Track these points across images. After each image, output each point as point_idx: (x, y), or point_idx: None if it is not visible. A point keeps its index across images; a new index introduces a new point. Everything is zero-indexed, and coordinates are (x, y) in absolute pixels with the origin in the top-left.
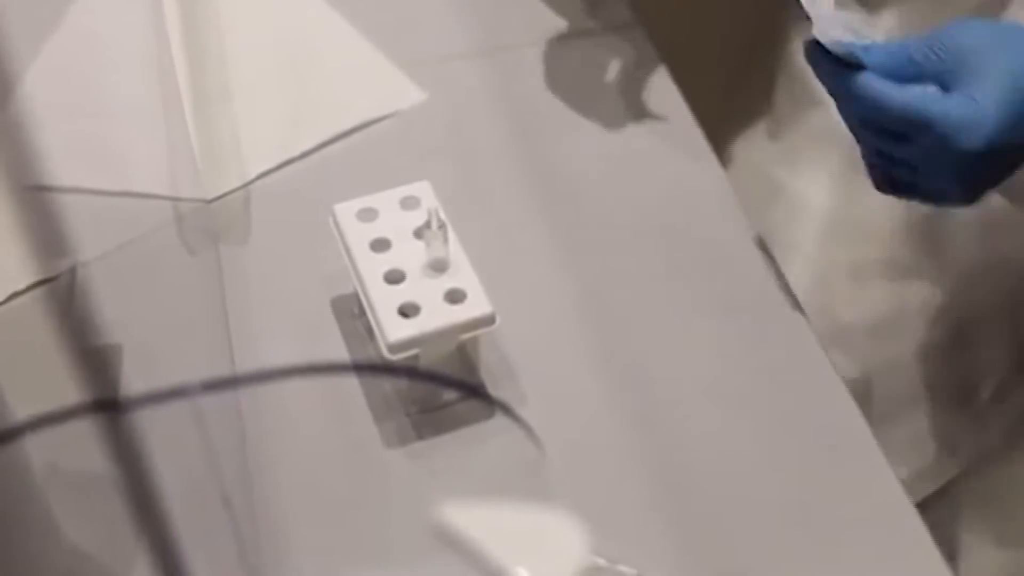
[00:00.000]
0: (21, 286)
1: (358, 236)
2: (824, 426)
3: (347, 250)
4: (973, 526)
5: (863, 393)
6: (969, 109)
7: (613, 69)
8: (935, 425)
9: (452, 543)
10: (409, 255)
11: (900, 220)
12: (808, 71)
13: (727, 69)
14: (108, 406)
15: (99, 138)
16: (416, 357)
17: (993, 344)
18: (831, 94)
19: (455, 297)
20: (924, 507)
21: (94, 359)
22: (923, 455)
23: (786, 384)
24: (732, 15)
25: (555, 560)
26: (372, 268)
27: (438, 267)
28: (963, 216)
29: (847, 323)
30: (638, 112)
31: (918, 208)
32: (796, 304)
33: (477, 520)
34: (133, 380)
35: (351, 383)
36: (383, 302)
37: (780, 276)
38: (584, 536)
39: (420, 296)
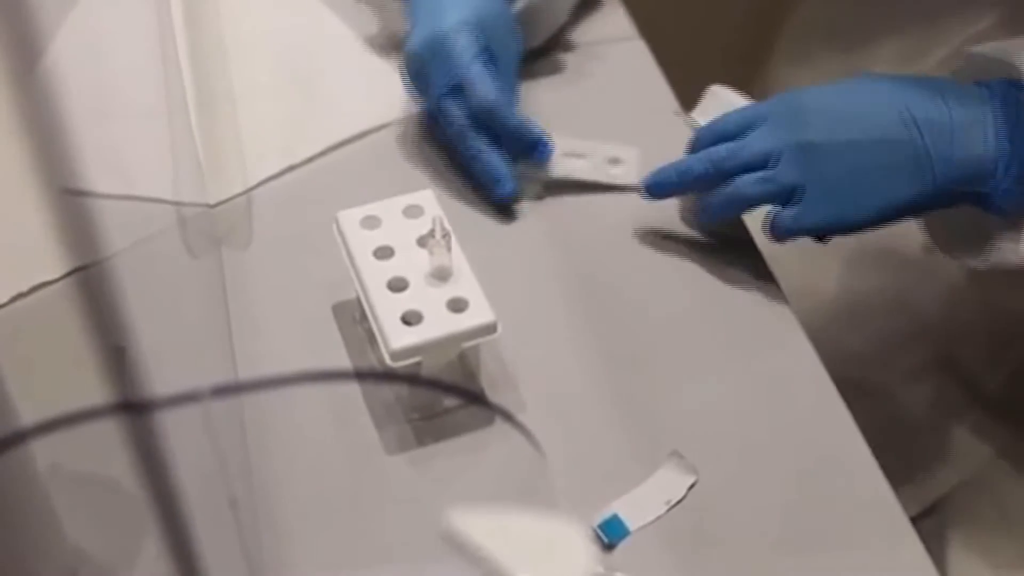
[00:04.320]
0: (25, 288)
1: (361, 244)
2: (823, 442)
3: (350, 257)
4: (961, 547)
5: None
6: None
7: (613, 80)
8: (919, 449)
9: (459, 548)
10: (412, 263)
11: (888, 253)
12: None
13: (725, 81)
14: (119, 409)
15: (103, 142)
16: (418, 364)
17: (977, 373)
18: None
19: (457, 306)
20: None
21: (103, 361)
22: (906, 478)
23: (787, 399)
24: (730, 29)
25: (561, 568)
26: (375, 276)
27: (441, 276)
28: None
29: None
30: (637, 124)
31: (910, 242)
32: (795, 323)
33: (483, 526)
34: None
35: (352, 390)
36: (386, 310)
37: (781, 296)
38: (589, 545)
39: (423, 304)
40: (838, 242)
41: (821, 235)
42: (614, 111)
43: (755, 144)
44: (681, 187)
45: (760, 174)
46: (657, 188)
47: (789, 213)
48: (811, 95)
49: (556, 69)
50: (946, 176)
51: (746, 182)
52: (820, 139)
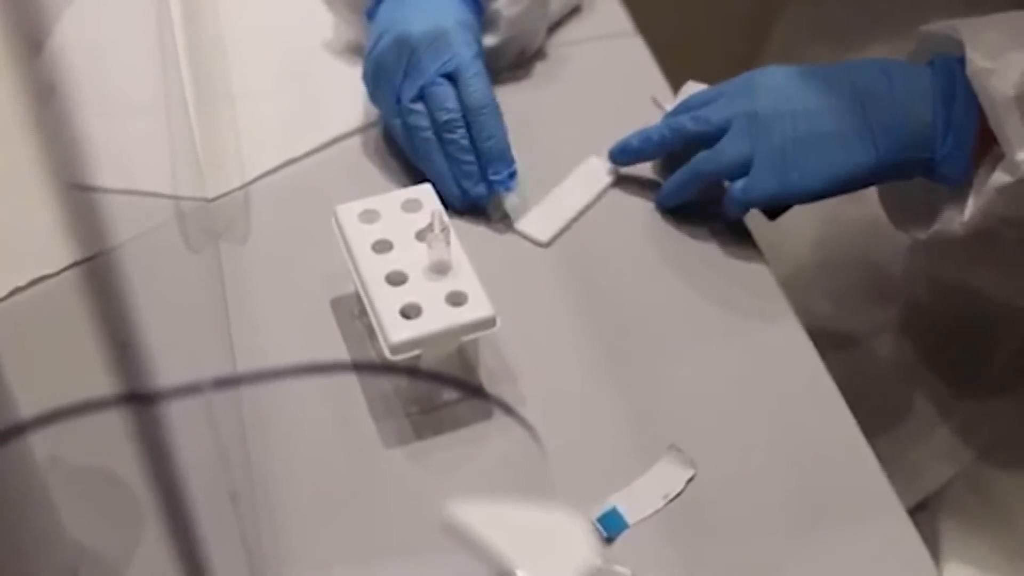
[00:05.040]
0: (23, 282)
1: (360, 237)
2: (820, 435)
3: (349, 251)
4: (954, 541)
5: None
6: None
7: (611, 76)
8: (909, 445)
9: (458, 541)
10: (411, 257)
11: (876, 245)
12: None
13: (723, 76)
14: (124, 400)
15: (102, 136)
16: (417, 358)
17: (965, 371)
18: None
19: (456, 299)
20: None
21: (109, 352)
22: (896, 475)
23: (785, 394)
24: (727, 24)
25: (560, 560)
26: (374, 269)
27: (440, 269)
28: (928, 244)
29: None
30: (633, 120)
31: (892, 234)
32: (793, 316)
33: (483, 519)
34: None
35: (351, 383)
36: (385, 303)
37: (776, 287)
38: (590, 537)
39: (421, 298)
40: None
41: (772, 210)
42: (610, 107)
43: (708, 114)
44: (642, 153)
45: (709, 151)
46: (621, 154)
47: (739, 185)
48: (765, 73)
49: (552, 65)
50: (889, 145)
51: (697, 160)
52: (766, 109)
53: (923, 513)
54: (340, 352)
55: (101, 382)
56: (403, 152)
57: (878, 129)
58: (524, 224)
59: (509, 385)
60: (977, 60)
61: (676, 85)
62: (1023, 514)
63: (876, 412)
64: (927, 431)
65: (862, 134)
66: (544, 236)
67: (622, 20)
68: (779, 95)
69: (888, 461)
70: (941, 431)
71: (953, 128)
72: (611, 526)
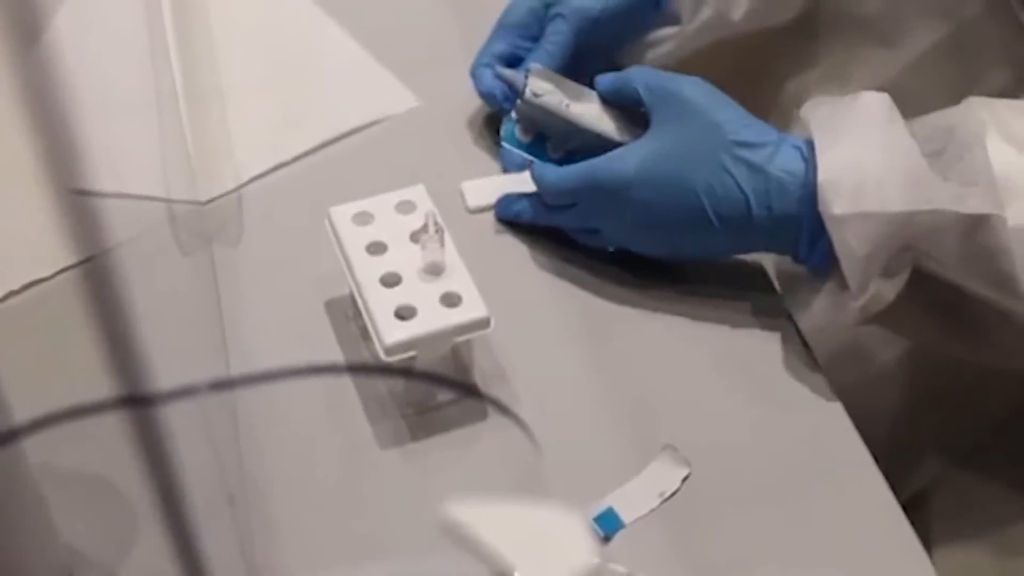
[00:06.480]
0: (16, 285)
1: (354, 239)
2: (815, 434)
3: (343, 253)
4: (942, 541)
5: None
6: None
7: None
8: (897, 442)
9: (455, 541)
10: (405, 258)
11: None
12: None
13: (721, 83)
14: (116, 404)
15: (93, 139)
16: (412, 359)
17: (944, 374)
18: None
19: (451, 300)
20: None
21: (107, 355)
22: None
23: (779, 391)
24: (727, 53)
25: (558, 560)
26: (368, 271)
27: (434, 271)
28: None
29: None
30: None
31: None
32: (787, 312)
33: (481, 518)
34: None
35: (347, 385)
36: (379, 305)
37: (773, 290)
38: (588, 536)
39: (416, 299)
40: None
41: None
42: None
43: (576, 219)
44: (515, 222)
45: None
46: (499, 214)
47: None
48: (621, 178)
49: None
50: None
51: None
52: (628, 224)
53: (915, 509)
54: (335, 354)
55: (95, 386)
56: (396, 153)
57: (737, 248)
58: (467, 186)
59: (504, 385)
60: (832, 205)
61: None
62: (1010, 510)
63: (870, 408)
64: (918, 427)
65: (718, 250)
66: (472, 203)
67: None
68: (638, 206)
69: (881, 457)
70: (931, 427)
71: (819, 246)
72: (607, 525)
